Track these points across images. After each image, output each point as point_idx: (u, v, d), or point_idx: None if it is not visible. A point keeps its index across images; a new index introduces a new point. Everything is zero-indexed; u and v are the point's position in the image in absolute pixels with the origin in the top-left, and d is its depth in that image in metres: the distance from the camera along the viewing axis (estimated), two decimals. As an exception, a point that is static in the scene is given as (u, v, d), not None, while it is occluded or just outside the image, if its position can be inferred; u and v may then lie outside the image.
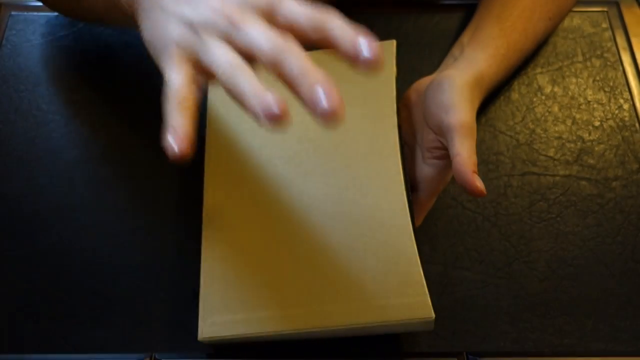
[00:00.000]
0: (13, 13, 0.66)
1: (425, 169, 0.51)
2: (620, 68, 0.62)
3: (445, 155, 0.49)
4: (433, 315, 0.44)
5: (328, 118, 0.36)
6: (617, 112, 0.60)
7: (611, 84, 0.62)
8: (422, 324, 0.45)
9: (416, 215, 0.51)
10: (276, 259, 0.48)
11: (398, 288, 0.45)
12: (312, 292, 0.46)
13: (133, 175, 0.57)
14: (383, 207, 0.49)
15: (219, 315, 0.46)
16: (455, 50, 0.57)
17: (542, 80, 0.62)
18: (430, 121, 0.50)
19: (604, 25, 0.65)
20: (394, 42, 0.56)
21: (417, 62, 0.62)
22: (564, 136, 0.59)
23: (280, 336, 0.45)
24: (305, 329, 0.45)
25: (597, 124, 0.59)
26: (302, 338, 0.46)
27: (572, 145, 0.58)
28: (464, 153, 0.46)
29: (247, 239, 0.49)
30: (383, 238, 0.47)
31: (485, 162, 0.57)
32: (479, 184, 0.45)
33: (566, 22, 0.65)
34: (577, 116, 0.60)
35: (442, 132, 0.48)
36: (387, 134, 0.52)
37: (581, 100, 0.61)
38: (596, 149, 0.58)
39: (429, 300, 0.44)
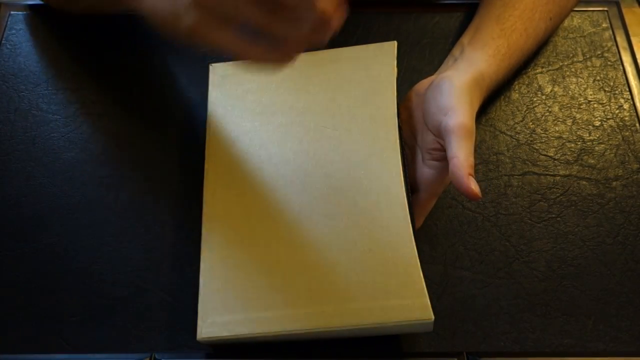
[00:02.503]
0: (13, 13, 0.66)
1: (425, 171, 0.51)
2: (621, 68, 0.62)
3: (444, 157, 0.49)
4: (432, 317, 0.44)
5: None
6: (617, 111, 0.60)
7: (611, 83, 0.62)
8: (421, 326, 0.45)
9: (416, 217, 0.51)
10: (276, 260, 0.48)
11: (397, 289, 0.45)
12: (312, 293, 0.46)
13: (133, 175, 0.57)
14: (383, 208, 0.49)
15: (218, 316, 0.46)
16: (455, 51, 0.57)
17: (543, 80, 0.62)
18: (429, 123, 0.50)
19: (604, 24, 0.65)
20: (394, 44, 0.56)
21: (417, 62, 0.62)
22: (564, 136, 0.59)
23: (278, 337, 0.45)
24: (304, 330, 0.45)
25: (597, 123, 0.59)
26: (301, 339, 0.46)
27: (573, 145, 0.58)
28: (461, 155, 0.45)
29: (247, 240, 0.49)
30: (383, 239, 0.47)
31: (486, 162, 0.57)
32: (474, 187, 0.45)
33: (566, 22, 0.65)
34: (578, 116, 0.60)
35: (440, 134, 0.48)
36: (387, 135, 0.52)
37: (581, 100, 0.61)
38: (596, 148, 0.58)
39: (429, 302, 0.44)
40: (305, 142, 0.52)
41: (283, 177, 0.51)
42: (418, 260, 0.46)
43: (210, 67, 0.58)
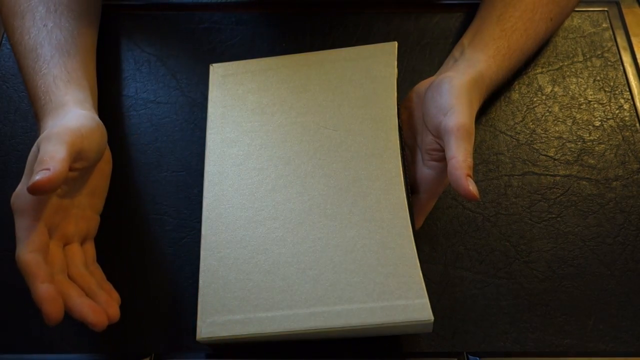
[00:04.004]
0: (13, 13, 0.66)
1: (425, 171, 0.51)
2: (621, 68, 0.62)
3: (443, 157, 0.49)
4: (432, 317, 0.44)
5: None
6: (617, 112, 0.60)
7: (611, 83, 0.62)
8: (421, 326, 0.45)
9: (416, 218, 0.51)
10: (275, 260, 0.48)
11: (397, 290, 0.45)
12: (311, 293, 0.46)
13: (132, 175, 0.57)
14: (383, 208, 0.49)
15: (218, 316, 0.46)
16: (455, 52, 0.57)
17: (543, 80, 0.62)
18: (429, 123, 0.50)
19: (605, 25, 0.65)
20: (395, 44, 0.56)
21: (418, 62, 0.62)
22: (565, 136, 0.59)
23: (277, 337, 0.45)
24: (303, 330, 0.45)
25: (597, 123, 0.59)
26: (301, 339, 0.46)
27: (573, 145, 0.58)
28: (459, 156, 0.45)
29: (246, 240, 0.49)
30: (383, 240, 0.47)
31: (486, 162, 0.57)
32: (472, 188, 0.44)
33: (566, 22, 0.65)
34: (578, 116, 0.60)
35: (439, 134, 0.48)
36: (387, 136, 0.52)
37: (581, 100, 0.61)
38: (596, 149, 0.58)
39: (428, 303, 0.44)
40: (305, 142, 0.52)
41: (283, 178, 0.51)
42: (418, 261, 0.46)
43: (211, 67, 0.58)
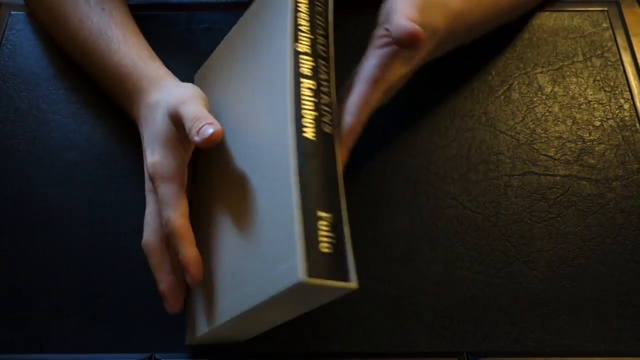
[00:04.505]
0: (13, 13, 0.66)
1: (368, 63, 0.49)
2: (621, 68, 0.62)
3: (390, 43, 0.49)
4: (299, 277, 0.34)
5: None
6: (617, 111, 0.60)
7: (612, 83, 0.62)
8: (314, 290, 0.36)
9: (344, 142, 0.46)
10: (205, 254, 0.47)
11: (274, 257, 0.38)
12: (214, 288, 0.45)
13: (132, 175, 0.57)
14: (269, 170, 0.42)
15: (198, 321, 0.46)
16: None
17: (543, 80, 0.62)
18: (380, 17, 0.51)
19: (605, 24, 0.65)
20: None
21: (417, 62, 0.62)
22: (565, 136, 0.59)
23: (220, 338, 0.46)
24: (214, 330, 0.44)
25: (597, 123, 0.59)
26: (253, 332, 0.46)
27: (573, 145, 0.58)
28: (402, 18, 0.46)
29: (197, 233, 0.47)
30: (267, 202, 0.41)
31: (486, 162, 0.57)
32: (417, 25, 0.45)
33: (566, 22, 0.65)
34: (578, 116, 0.60)
35: (387, 17, 0.49)
36: (278, 83, 0.44)
37: (581, 100, 0.61)
38: (596, 148, 0.58)
39: (299, 263, 0.35)
40: (226, 124, 0.48)
41: (213, 168, 0.50)
42: (295, 217, 0.37)
43: (195, 76, 0.59)
